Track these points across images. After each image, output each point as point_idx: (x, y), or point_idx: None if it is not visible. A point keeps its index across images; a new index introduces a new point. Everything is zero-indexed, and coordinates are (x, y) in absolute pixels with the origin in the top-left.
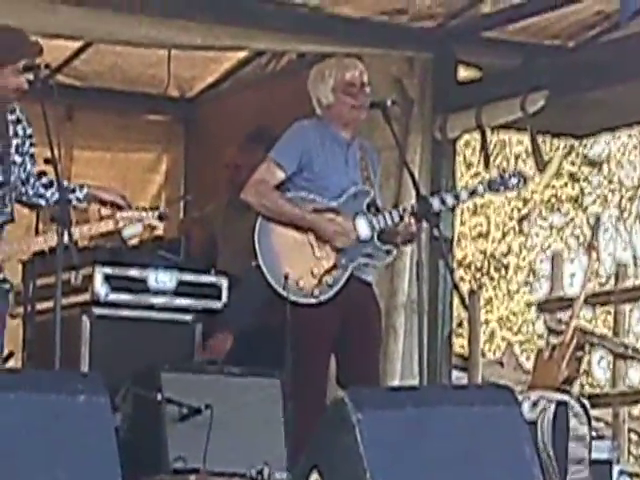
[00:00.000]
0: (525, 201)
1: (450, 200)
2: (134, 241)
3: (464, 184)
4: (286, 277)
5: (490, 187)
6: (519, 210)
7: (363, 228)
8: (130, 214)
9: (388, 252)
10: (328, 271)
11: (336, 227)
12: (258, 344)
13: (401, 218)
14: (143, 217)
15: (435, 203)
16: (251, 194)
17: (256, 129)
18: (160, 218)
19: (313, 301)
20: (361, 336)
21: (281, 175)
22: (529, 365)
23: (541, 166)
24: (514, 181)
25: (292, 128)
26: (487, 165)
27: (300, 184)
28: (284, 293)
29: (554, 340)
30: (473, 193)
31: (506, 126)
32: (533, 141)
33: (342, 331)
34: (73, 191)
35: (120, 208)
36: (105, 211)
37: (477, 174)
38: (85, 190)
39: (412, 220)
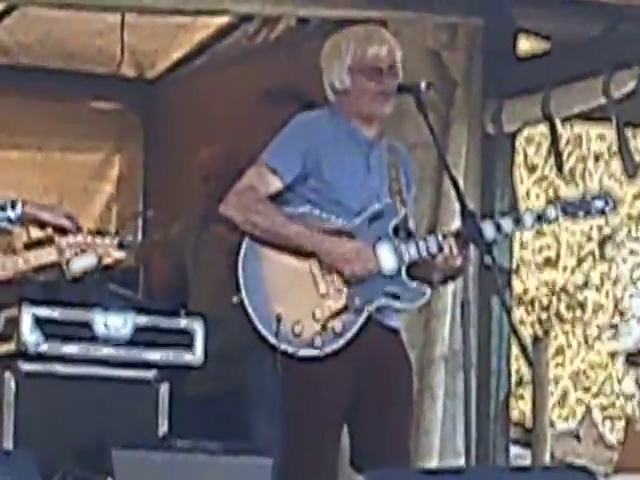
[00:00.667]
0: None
1: (508, 226)
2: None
3: (525, 193)
4: (278, 319)
5: (566, 211)
6: (600, 229)
7: (387, 258)
8: (79, 240)
9: (420, 293)
10: (336, 314)
11: (349, 252)
12: (243, 411)
13: (440, 248)
14: (97, 245)
15: (488, 230)
16: (234, 207)
17: (277, 88)
18: (121, 246)
19: (314, 353)
20: (382, 401)
21: (276, 183)
22: (615, 438)
23: (631, 170)
24: (599, 205)
25: (293, 122)
26: (560, 168)
27: (304, 196)
28: (274, 341)
29: None
30: (541, 219)
31: (583, 116)
32: (620, 136)
33: (356, 395)
34: (2, 209)
35: (65, 232)
36: (37, 233)
37: (543, 179)
38: (19, 208)
39: (455, 249)
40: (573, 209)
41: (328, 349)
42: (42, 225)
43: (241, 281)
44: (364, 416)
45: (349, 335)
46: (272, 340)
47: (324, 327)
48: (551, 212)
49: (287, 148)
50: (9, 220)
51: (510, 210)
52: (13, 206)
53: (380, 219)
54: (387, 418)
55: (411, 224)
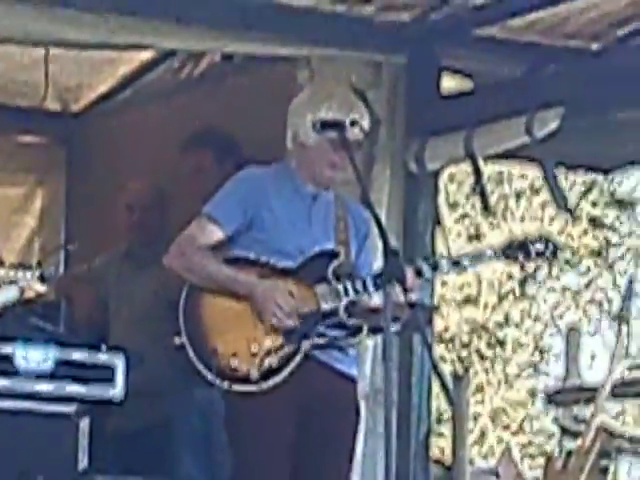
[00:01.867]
0: None
1: (428, 271)
2: None
3: (447, 231)
4: (214, 353)
5: (505, 253)
6: (521, 267)
7: (325, 297)
8: (1, 274)
9: (357, 330)
10: (273, 351)
11: (278, 296)
12: (166, 446)
13: (377, 286)
14: (19, 278)
15: (409, 276)
16: (174, 257)
17: (200, 130)
18: (43, 280)
19: (252, 389)
20: (326, 442)
21: (217, 234)
22: (534, 476)
23: (562, 203)
24: (540, 248)
25: (236, 176)
26: (486, 207)
27: (247, 245)
28: (208, 375)
29: (569, 444)
30: (476, 259)
31: (505, 155)
32: (547, 176)
33: (298, 433)
34: None
35: None
36: None
37: (464, 216)
38: None
39: (402, 296)
40: (513, 252)
41: (265, 385)
42: None
43: (181, 323)
44: (307, 453)
45: (287, 371)
46: (206, 374)
47: (261, 363)
48: (487, 253)
49: (229, 199)
50: None
51: (433, 253)
52: None
53: (320, 261)
54: (329, 459)
55: (362, 271)
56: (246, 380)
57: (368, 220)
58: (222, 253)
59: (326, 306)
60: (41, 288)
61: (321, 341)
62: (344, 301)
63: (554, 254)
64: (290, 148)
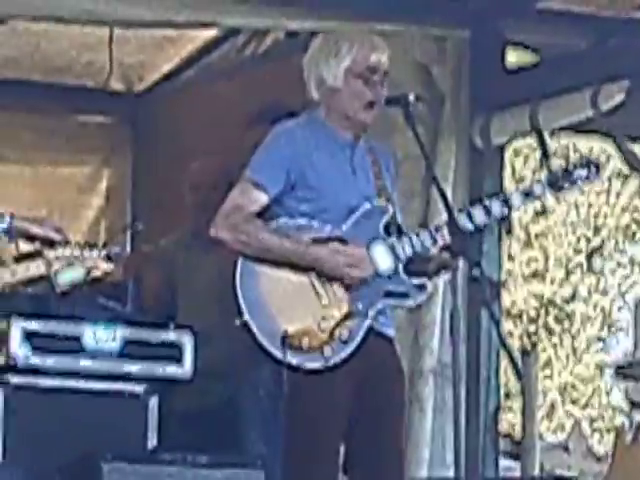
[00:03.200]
0: (596, 228)
1: (497, 208)
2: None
3: None
4: (285, 336)
5: (552, 184)
6: (588, 240)
7: (383, 258)
8: (68, 253)
9: (421, 287)
10: (341, 321)
11: (346, 258)
12: (234, 425)
13: (434, 241)
14: (85, 257)
15: (477, 215)
16: (223, 229)
17: (264, 107)
18: (109, 259)
19: (323, 364)
20: (380, 411)
21: (262, 198)
22: (604, 450)
23: (637, 164)
24: (583, 173)
25: (272, 134)
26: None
27: (293, 207)
28: (283, 357)
29: (639, 417)
30: (529, 195)
31: (571, 128)
32: (619, 146)
33: (354, 404)
34: None
35: (53, 245)
36: (25, 247)
37: None
38: (7, 221)
39: (448, 239)
40: (558, 181)
41: (337, 358)
42: (30, 238)
43: (241, 302)
44: (360, 425)
45: (356, 341)
46: (280, 356)
47: (331, 336)
48: (536, 188)
49: (269, 161)
50: None
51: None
52: (1, 219)
53: (370, 219)
54: (383, 427)
55: (400, 220)
56: (320, 356)
57: (393, 159)
58: (270, 218)
59: (385, 267)
60: (108, 267)
61: (387, 304)
62: (402, 260)
63: (597, 173)
64: (316, 97)
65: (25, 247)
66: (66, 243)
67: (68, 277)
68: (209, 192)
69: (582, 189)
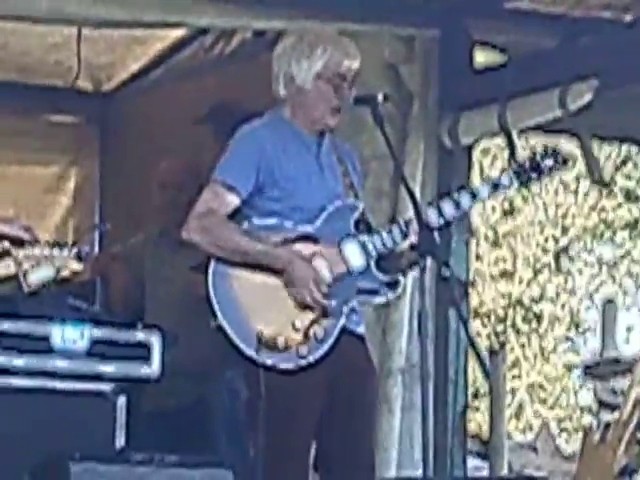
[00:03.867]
0: (564, 228)
1: (466, 201)
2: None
3: (480, 205)
4: (259, 337)
5: (519, 176)
6: (556, 240)
7: (354, 255)
8: (37, 252)
9: (393, 284)
10: (315, 320)
11: (308, 273)
12: (202, 425)
13: (405, 235)
14: (55, 256)
15: (447, 207)
16: (195, 231)
17: (213, 106)
18: (79, 258)
19: (300, 363)
20: (352, 410)
21: (234, 200)
22: (572, 450)
23: (598, 180)
24: (549, 163)
25: (238, 135)
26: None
27: (263, 207)
28: (258, 358)
29: (607, 417)
30: (497, 187)
31: (540, 128)
32: (584, 146)
33: (327, 403)
34: None
35: (22, 244)
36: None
37: None
38: None
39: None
40: (525, 172)
41: (312, 357)
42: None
43: (215, 304)
44: (333, 423)
45: (331, 340)
46: (255, 356)
47: (306, 335)
48: (505, 179)
49: (239, 162)
50: None
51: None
52: None
53: (341, 217)
54: (354, 425)
55: (369, 217)
56: (295, 356)
57: (356, 156)
58: (241, 219)
59: (357, 264)
60: (77, 266)
61: (361, 301)
62: (374, 256)
63: (564, 164)
64: (282, 94)
65: None
66: (35, 242)
67: (38, 276)
68: (176, 192)
69: (548, 179)
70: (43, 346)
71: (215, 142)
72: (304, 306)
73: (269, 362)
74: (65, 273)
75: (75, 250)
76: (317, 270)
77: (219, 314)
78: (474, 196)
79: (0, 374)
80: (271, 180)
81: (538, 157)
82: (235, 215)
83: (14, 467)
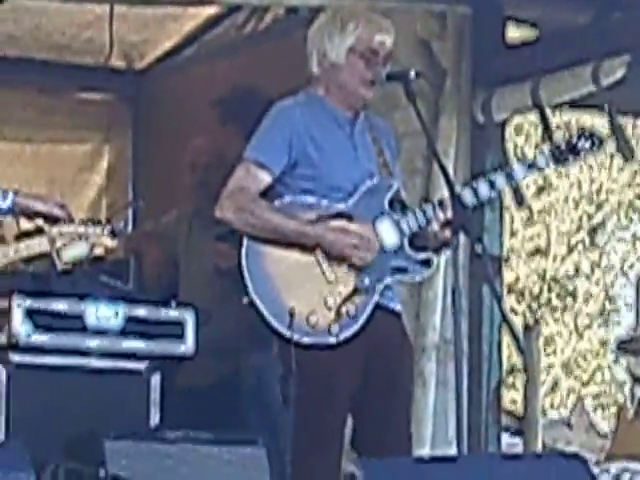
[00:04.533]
0: (599, 205)
1: (501, 181)
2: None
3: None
4: (292, 313)
5: (555, 157)
6: (590, 217)
7: (388, 234)
8: (71, 229)
9: (427, 262)
10: (348, 298)
11: (351, 238)
12: (236, 402)
13: (437, 214)
14: (89, 234)
15: (482, 188)
16: (228, 210)
17: (233, 93)
18: (113, 234)
19: (332, 341)
20: (388, 386)
21: (266, 178)
22: (607, 426)
23: (628, 154)
24: (586, 145)
25: (271, 112)
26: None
27: (296, 185)
28: (289, 334)
29: None
30: (532, 167)
31: (572, 104)
32: (613, 123)
33: (363, 380)
34: None
35: (56, 222)
36: (26, 224)
37: None
38: (10, 197)
39: (449, 215)
40: (561, 153)
41: (344, 335)
42: (34, 215)
43: (247, 281)
44: (370, 400)
45: (363, 318)
46: (286, 333)
47: (338, 313)
48: (541, 160)
49: (271, 140)
50: (0, 211)
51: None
52: (4, 196)
53: (375, 195)
54: (391, 402)
55: (403, 195)
56: (327, 333)
57: (393, 133)
58: (274, 197)
59: (390, 243)
60: (111, 243)
61: (394, 279)
62: (407, 235)
63: (600, 145)
64: (316, 73)
65: (28, 224)
66: (70, 220)
67: (72, 254)
68: (206, 172)
69: (584, 160)
70: (77, 324)
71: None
72: (354, 267)
73: (301, 339)
74: (99, 250)
75: (109, 227)
76: (352, 231)
77: (251, 291)
78: (509, 176)
79: (35, 352)
80: (304, 158)
81: (575, 138)
82: (267, 193)
83: (49, 444)
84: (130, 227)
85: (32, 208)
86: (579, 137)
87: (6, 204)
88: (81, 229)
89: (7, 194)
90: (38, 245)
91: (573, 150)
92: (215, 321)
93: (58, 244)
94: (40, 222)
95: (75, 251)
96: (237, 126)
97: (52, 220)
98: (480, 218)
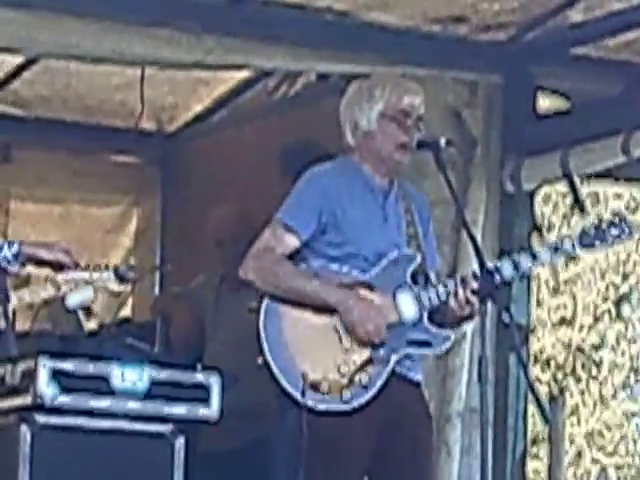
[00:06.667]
0: (625, 275)
1: (526, 262)
2: (92, 325)
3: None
4: (304, 377)
5: (582, 241)
6: (617, 287)
7: (407, 306)
8: (77, 275)
9: (445, 338)
10: (362, 367)
11: (368, 309)
12: (259, 467)
13: (457, 291)
14: (94, 279)
15: (505, 268)
16: (253, 270)
17: (296, 145)
18: (120, 278)
19: (343, 408)
20: (405, 455)
21: (293, 242)
22: None
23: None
24: (615, 232)
25: (305, 177)
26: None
27: (322, 250)
28: (301, 399)
29: None
30: (557, 250)
31: (602, 175)
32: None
33: (379, 447)
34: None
35: (63, 268)
36: (36, 271)
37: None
38: (16, 247)
39: (469, 294)
40: (589, 239)
41: (356, 403)
42: (41, 263)
43: (263, 340)
44: (386, 468)
45: (376, 387)
46: (298, 397)
47: (351, 381)
48: (567, 244)
49: (302, 204)
50: (6, 260)
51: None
52: (10, 246)
53: (398, 267)
54: (408, 473)
55: (431, 267)
56: (338, 400)
57: (427, 204)
58: (299, 261)
59: (409, 315)
60: (117, 287)
61: (409, 352)
62: (427, 308)
63: (630, 235)
64: (351, 143)
65: (36, 271)
66: (76, 266)
67: (76, 299)
68: (235, 246)
69: (612, 247)
70: (102, 386)
71: (283, 180)
72: (364, 343)
73: (312, 404)
74: (122, 312)
75: (114, 270)
76: (376, 308)
77: (266, 351)
78: (534, 258)
79: (60, 413)
80: (333, 225)
81: (604, 225)
82: (294, 257)
83: None
84: (157, 290)
85: (37, 256)
86: (609, 225)
87: (11, 252)
88: (86, 275)
89: (13, 244)
90: (44, 292)
91: (602, 237)
92: (239, 384)
93: (63, 289)
94: (45, 270)
95: (79, 296)
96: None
97: (58, 267)
98: (508, 287)
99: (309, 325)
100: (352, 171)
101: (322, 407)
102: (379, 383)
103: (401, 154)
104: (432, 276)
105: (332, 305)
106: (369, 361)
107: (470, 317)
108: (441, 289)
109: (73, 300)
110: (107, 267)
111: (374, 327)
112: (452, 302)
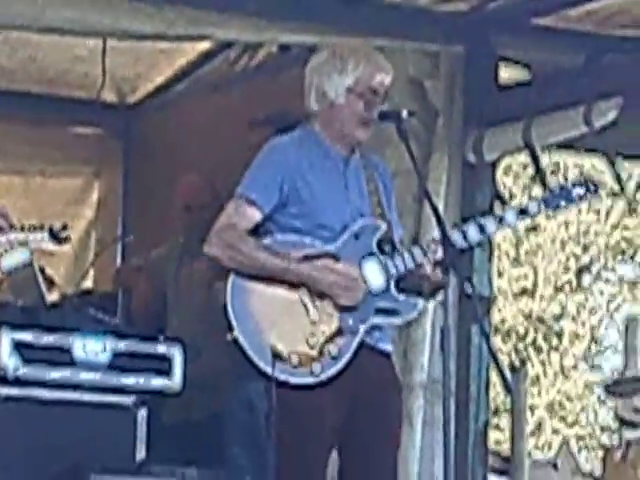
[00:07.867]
0: (585, 246)
1: (492, 226)
2: (54, 297)
3: None
4: (274, 352)
5: (548, 202)
6: (577, 258)
7: (374, 275)
8: (12, 237)
9: (413, 306)
10: (330, 338)
11: (336, 277)
12: (221, 437)
13: (425, 256)
14: (29, 239)
15: (472, 232)
16: (217, 246)
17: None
18: (55, 238)
19: (311, 381)
20: (375, 426)
21: (256, 215)
22: (593, 468)
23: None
24: (580, 191)
25: (264, 150)
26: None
27: (285, 223)
28: (270, 372)
29: (628, 435)
30: (523, 213)
31: (563, 145)
32: (612, 165)
33: (349, 419)
34: None
35: None
36: None
37: None
38: None
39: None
40: (555, 200)
41: (325, 376)
42: None
43: (232, 317)
44: (356, 440)
45: (346, 358)
46: (267, 371)
47: (321, 352)
48: (533, 206)
49: (262, 177)
50: None
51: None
52: None
53: (363, 236)
54: (379, 443)
55: (395, 236)
56: (308, 372)
57: (389, 172)
58: (263, 234)
59: (376, 284)
60: (52, 247)
61: (377, 321)
62: (394, 277)
63: (596, 192)
64: (315, 109)
65: None
66: (10, 227)
67: (10, 261)
68: (200, 212)
69: (577, 206)
70: (65, 358)
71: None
72: (345, 308)
73: (282, 377)
74: (39, 256)
75: (50, 230)
76: (337, 270)
77: (235, 327)
78: (500, 221)
79: (22, 385)
80: (295, 196)
81: (569, 185)
82: (257, 230)
83: (37, 476)
84: (119, 261)
85: None
86: (574, 184)
87: None
88: (22, 236)
89: None
90: None
91: (567, 197)
92: (202, 356)
93: None
94: None
95: (13, 259)
96: None
97: None
98: (470, 258)
99: (277, 300)
100: (311, 141)
101: (293, 380)
102: (349, 354)
103: (363, 130)
104: (397, 244)
105: (298, 278)
106: (338, 332)
107: (442, 287)
108: (407, 256)
109: (8, 262)
110: (42, 227)
111: (348, 289)
112: (427, 268)
